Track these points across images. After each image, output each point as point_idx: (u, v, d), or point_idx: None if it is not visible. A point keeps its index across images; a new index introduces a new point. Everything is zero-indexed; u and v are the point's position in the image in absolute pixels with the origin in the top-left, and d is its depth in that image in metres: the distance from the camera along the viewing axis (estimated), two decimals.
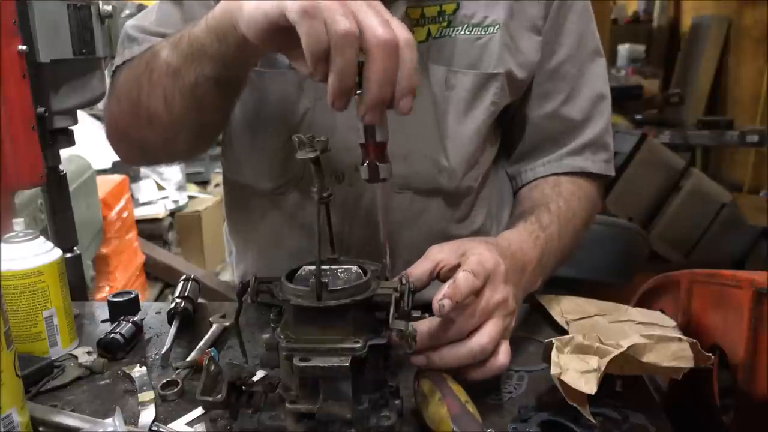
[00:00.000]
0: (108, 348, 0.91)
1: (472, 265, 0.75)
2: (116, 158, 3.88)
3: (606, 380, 0.70)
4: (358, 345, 0.66)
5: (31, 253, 0.89)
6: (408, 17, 0.94)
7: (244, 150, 1.06)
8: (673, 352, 0.72)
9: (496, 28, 0.95)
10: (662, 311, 0.93)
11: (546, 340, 0.74)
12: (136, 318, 0.98)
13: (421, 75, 0.95)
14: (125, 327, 0.94)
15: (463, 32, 0.95)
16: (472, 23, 0.95)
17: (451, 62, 0.96)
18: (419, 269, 0.79)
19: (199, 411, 0.77)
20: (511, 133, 1.10)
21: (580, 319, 0.92)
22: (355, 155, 0.96)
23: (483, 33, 0.95)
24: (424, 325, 0.73)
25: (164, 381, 0.82)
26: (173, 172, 4.31)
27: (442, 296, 0.70)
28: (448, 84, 0.96)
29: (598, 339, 0.73)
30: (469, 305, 0.73)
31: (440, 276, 0.79)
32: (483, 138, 1.00)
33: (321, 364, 0.64)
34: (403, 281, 0.73)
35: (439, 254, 0.80)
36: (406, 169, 0.98)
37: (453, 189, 1.01)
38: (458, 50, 0.95)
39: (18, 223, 0.91)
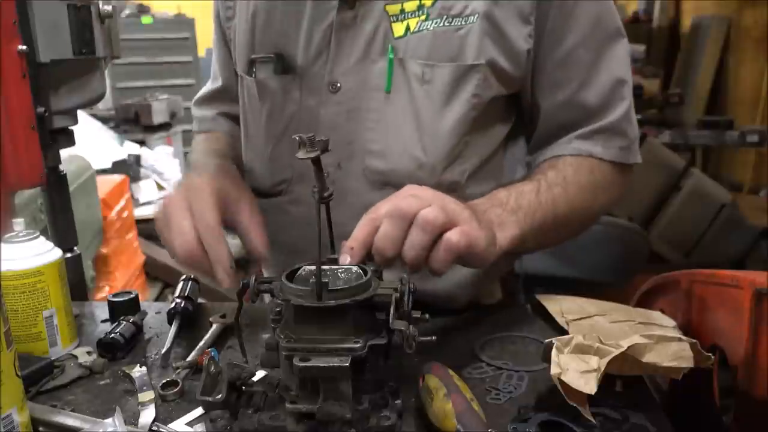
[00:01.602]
0: (108, 348, 0.91)
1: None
2: (116, 158, 3.90)
3: (606, 380, 0.70)
4: (358, 345, 0.67)
5: (31, 253, 0.89)
6: (387, 14, 0.95)
7: (245, 154, 1.13)
8: (673, 352, 0.72)
9: (475, 17, 0.93)
10: (662, 311, 0.93)
11: (546, 340, 0.75)
12: (136, 318, 0.98)
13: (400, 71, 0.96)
14: (125, 327, 0.94)
15: (441, 24, 0.94)
16: (452, 14, 0.94)
17: (429, 56, 0.95)
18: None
19: (199, 411, 0.76)
20: (530, 123, 1.07)
21: (580, 319, 0.92)
22: (337, 154, 0.99)
23: (463, 23, 0.94)
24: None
25: (164, 381, 0.82)
26: (173, 172, 4.31)
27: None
28: (425, 78, 0.96)
29: (598, 339, 0.73)
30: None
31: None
32: (466, 131, 0.98)
33: (321, 364, 0.64)
34: (403, 281, 0.73)
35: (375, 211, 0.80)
36: (384, 166, 0.98)
37: (434, 184, 0.95)
38: (437, 43, 0.95)
39: (18, 223, 0.91)
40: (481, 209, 0.87)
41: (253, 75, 1.06)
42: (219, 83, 1.25)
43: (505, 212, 0.89)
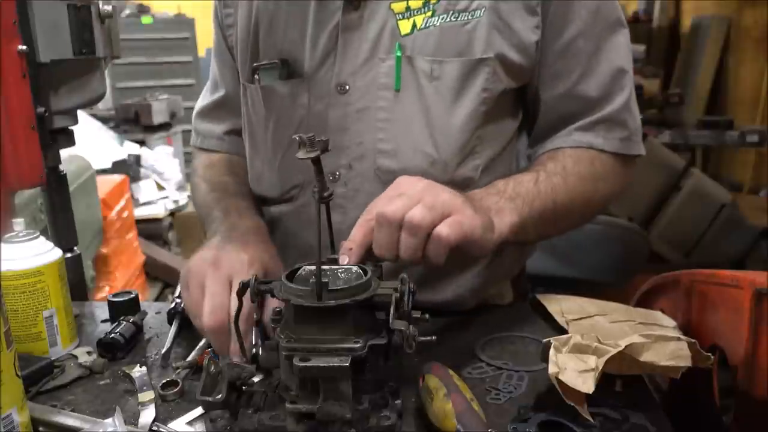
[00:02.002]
0: (108, 348, 0.91)
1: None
2: (116, 158, 3.90)
3: (606, 380, 0.70)
4: (358, 345, 0.67)
5: (31, 253, 0.89)
6: (392, 12, 0.95)
7: (251, 163, 1.12)
8: (671, 351, 0.72)
9: (482, 11, 0.93)
10: (662, 311, 0.93)
11: (544, 340, 0.75)
12: (136, 318, 0.98)
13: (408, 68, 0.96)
14: (125, 327, 0.95)
15: (448, 19, 0.94)
16: (458, 9, 0.94)
17: (437, 52, 0.95)
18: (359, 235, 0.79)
19: (199, 411, 0.77)
20: (532, 115, 1.07)
21: (580, 318, 0.92)
22: (348, 154, 0.99)
23: (470, 18, 0.94)
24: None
25: (164, 381, 0.82)
26: (173, 172, 4.30)
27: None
28: (433, 74, 0.95)
29: (596, 339, 0.73)
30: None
31: None
32: (478, 126, 0.98)
33: (321, 364, 0.64)
34: (403, 281, 0.73)
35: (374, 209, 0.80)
36: (396, 165, 0.97)
37: (447, 181, 0.94)
38: (444, 39, 0.95)
39: (18, 223, 0.91)
40: (478, 197, 0.87)
41: (256, 82, 1.05)
42: (222, 92, 1.21)
43: (503, 199, 0.89)
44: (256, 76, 1.05)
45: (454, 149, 0.97)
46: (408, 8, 0.95)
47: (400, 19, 0.95)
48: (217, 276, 0.85)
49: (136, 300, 1.04)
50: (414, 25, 0.95)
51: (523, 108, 1.07)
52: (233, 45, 1.12)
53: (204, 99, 1.27)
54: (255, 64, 1.05)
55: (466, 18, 0.94)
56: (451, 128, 0.97)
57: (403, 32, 0.96)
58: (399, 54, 0.96)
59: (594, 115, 1.01)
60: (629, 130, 1.03)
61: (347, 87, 0.98)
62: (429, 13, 0.95)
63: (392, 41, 0.96)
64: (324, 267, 0.74)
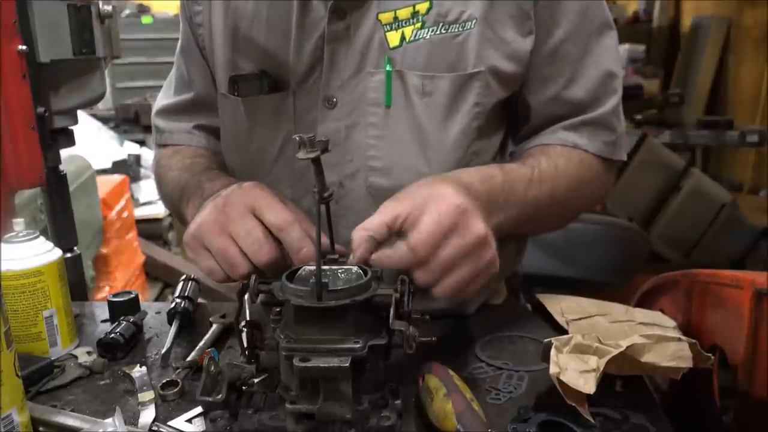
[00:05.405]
0: (108, 348, 0.91)
1: (416, 234, 0.75)
2: (116, 158, 3.90)
3: (606, 380, 0.70)
4: (358, 345, 0.67)
5: (31, 253, 0.89)
6: (380, 23, 0.91)
7: (242, 175, 1.06)
8: (672, 352, 0.72)
9: (473, 22, 0.90)
10: (662, 311, 0.94)
11: (545, 340, 0.75)
12: (136, 318, 0.98)
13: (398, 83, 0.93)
14: (125, 327, 0.95)
15: (438, 32, 0.91)
16: (448, 21, 0.90)
17: (427, 66, 0.92)
18: (374, 222, 0.77)
19: (198, 411, 0.77)
20: (516, 118, 1.05)
21: (580, 319, 0.92)
22: (338, 172, 0.96)
23: (460, 30, 0.90)
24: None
25: (164, 381, 0.82)
26: None
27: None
28: (425, 90, 0.92)
29: (597, 339, 0.73)
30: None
31: (401, 231, 0.77)
32: (471, 141, 0.95)
33: (321, 365, 0.64)
34: (403, 282, 0.73)
35: (398, 207, 0.77)
36: (389, 183, 0.94)
37: None
38: (434, 52, 0.91)
39: (18, 223, 0.91)
40: (483, 200, 0.84)
41: (236, 93, 1.00)
42: (190, 94, 1.14)
43: (495, 206, 0.87)
44: (237, 87, 1.00)
45: (448, 166, 0.94)
46: (396, 18, 0.91)
47: (387, 31, 0.91)
48: (239, 212, 0.81)
49: (136, 300, 1.04)
50: (403, 38, 0.91)
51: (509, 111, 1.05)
52: (204, 46, 1.07)
53: (166, 98, 1.19)
54: (233, 74, 1.00)
55: (456, 30, 0.91)
56: (444, 145, 0.94)
57: (391, 45, 0.92)
58: (389, 68, 0.92)
59: (582, 116, 0.99)
60: (616, 134, 1.01)
61: (335, 101, 0.94)
62: (418, 25, 0.91)
63: (380, 54, 0.92)
64: (324, 267, 0.74)
